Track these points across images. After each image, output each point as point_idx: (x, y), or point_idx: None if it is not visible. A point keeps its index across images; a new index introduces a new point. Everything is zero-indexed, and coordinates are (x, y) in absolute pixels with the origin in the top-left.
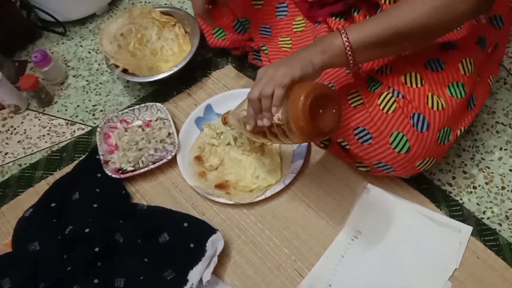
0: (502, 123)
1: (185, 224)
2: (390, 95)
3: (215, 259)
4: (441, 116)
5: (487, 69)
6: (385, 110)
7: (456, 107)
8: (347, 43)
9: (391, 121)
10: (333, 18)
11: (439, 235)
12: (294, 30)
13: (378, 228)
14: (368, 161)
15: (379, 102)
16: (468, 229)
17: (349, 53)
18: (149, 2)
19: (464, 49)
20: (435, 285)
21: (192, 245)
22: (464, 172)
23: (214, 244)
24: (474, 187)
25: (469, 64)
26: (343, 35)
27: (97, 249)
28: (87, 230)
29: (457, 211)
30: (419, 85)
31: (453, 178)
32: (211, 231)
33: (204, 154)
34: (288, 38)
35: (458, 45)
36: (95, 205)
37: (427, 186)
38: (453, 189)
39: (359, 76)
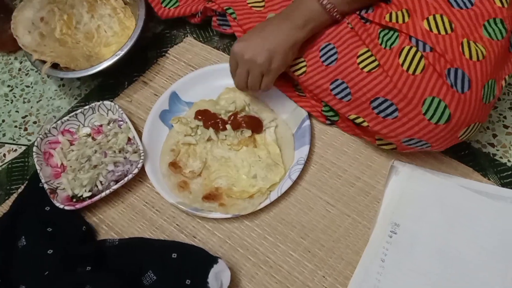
0: None
1: (174, 255)
2: (414, 49)
3: None
4: (483, 67)
5: None
6: (411, 71)
7: (498, 52)
8: (326, 3)
9: (421, 84)
10: None
11: (494, 211)
12: None
13: (419, 215)
14: (394, 138)
15: (400, 60)
16: None
17: (331, 8)
18: None
19: None
20: (507, 273)
21: (188, 282)
22: (505, 127)
23: (218, 278)
24: None
25: None
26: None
27: None
28: None
29: (508, 177)
30: (448, 31)
31: (494, 136)
32: (211, 260)
33: (180, 159)
34: None
35: None
36: (49, 251)
37: (465, 152)
38: (497, 150)
39: (366, 29)
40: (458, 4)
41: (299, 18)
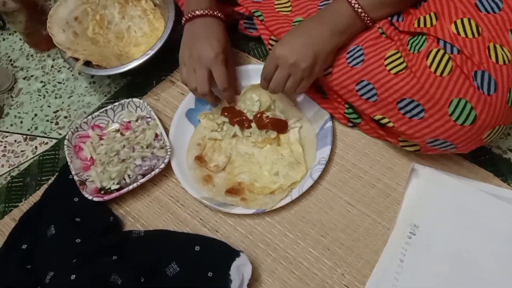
0: None
1: (197, 248)
2: (442, 51)
3: None
4: (510, 70)
5: None
6: (438, 72)
7: None
8: (359, 9)
9: (448, 86)
10: None
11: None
12: None
13: (438, 218)
14: (419, 139)
15: (428, 62)
16: None
17: (364, 16)
18: None
19: None
20: None
21: (210, 274)
22: None
23: (240, 271)
24: None
25: None
26: (353, 3)
27: None
28: (73, 276)
29: None
30: (476, 35)
31: None
32: (233, 253)
33: (206, 153)
34: (286, 0)
35: None
36: (78, 240)
37: (486, 157)
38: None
39: (397, 33)
40: (485, 9)
41: (338, 24)
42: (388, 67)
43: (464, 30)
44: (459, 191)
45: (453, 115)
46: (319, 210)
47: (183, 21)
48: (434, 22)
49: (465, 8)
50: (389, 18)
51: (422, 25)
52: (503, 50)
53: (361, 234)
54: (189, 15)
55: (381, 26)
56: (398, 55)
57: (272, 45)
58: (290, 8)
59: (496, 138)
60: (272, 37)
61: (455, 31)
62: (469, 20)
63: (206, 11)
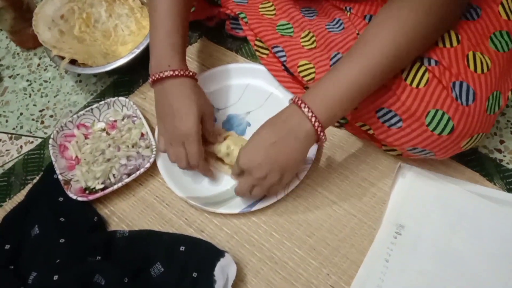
0: None
1: (182, 248)
2: (417, 63)
3: None
4: (488, 79)
5: None
6: (414, 84)
7: (503, 64)
8: (317, 125)
9: (424, 97)
10: None
11: (499, 216)
12: None
13: (424, 218)
14: (399, 147)
15: (403, 75)
16: None
17: (321, 133)
18: None
19: None
20: (509, 278)
21: (195, 274)
22: None
23: (225, 271)
24: None
25: (511, 4)
26: (313, 121)
27: None
28: (56, 277)
29: None
30: (454, 44)
31: (501, 142)
32: (218, 253)
33: None
34: (270, 4)
35: None
36: (61, 240)
37: (472, 157)
38: (504, 156)
39: None
40: (465, 16)
41: (301, 135)
42: None
43: (443, 41)
44: (445, 191)
45: (430, 125)
46: (305, 210)
47: (150, 82)
48: None
49: None
50: (368, 22)
51: None
52: (483, 57)
53: (347, 234)
54: (157, 76)
55: (359, 32)
56: None
57: (258, 46)
58: (274, 12)
59: (476, 144)
60: (258, 38)
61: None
62: (448, 30)
63: (176, 72)
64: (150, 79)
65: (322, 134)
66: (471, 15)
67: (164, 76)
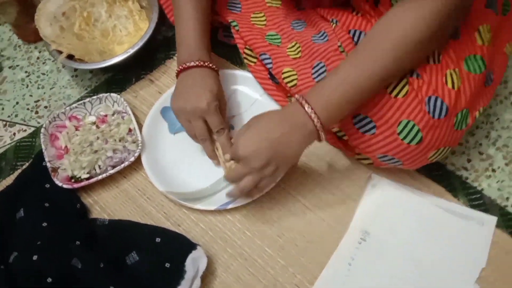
0: None
1: (158, 240)
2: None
3: (198, 282)
4: (459, 97)
5: (502, 36)
6: (394, 94)
7: (475, 85)
8: (318, 124)
9: (400, 107)
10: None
11: (460, 230)
12: (268, 5)
13: (389, 226)
14: (371, 154)
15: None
16: (492, 219)
17: (321, 132)
18: None
19: (476, 14)
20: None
21: (167, 265)
22: (480, 153)
23: (195, 263)
24: (493, 170)
25: (486, 32)
26: (314, 120)
27: (49, 280)
28: (35, 257)
29: (477, 200)
30: (436, 61)
31: (468, 161)
32: (190, 246)
33: None
34: (262, 14)
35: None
36: (44, 224)
37: (439, 172)
38: (470, 174)
39: None
40: (449, 35)
41: (304, 132)
42: None
43: (427, 57)
44: (411, 203)
45: (401, 134)
46: (278, 211)
47: (176, 72)
48: None
49: None
50: (351, 36)
51: None
52: (457, 76)
53: (316, 237)
54: (182, 66)
55: (341, 44)
56: None
57: (246, 54)
58: (264, 22)
59: (442, 158)
60: (247, 47)
61: None
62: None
63: (198, 62)
64: (178, 68)
65: (322, 133)
66: (455, 33)
67: (191, 65)
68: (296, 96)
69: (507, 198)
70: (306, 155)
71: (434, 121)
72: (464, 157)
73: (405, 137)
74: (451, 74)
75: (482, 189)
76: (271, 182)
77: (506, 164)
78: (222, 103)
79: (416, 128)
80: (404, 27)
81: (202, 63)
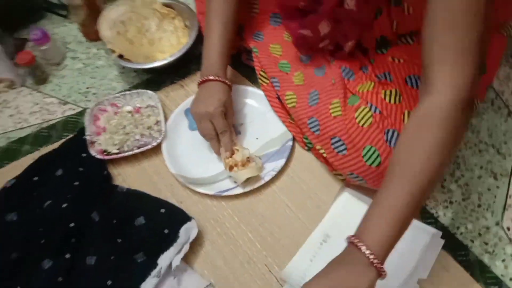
0: (485, 142)
1: (162, 210)
2: (367, 109)
3: (187, 246)
4: None
5: None
6: (360, 124)
7: None
8: (375, 262)
9: (365, 135)
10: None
11: (409, 235)
12: (285, 39)
13: (347, 231)
14: (342, 170)
15: (355, 115)
16: (438, 233)
17: (381, 269)
18: None
19: None
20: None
21: (166, 231)
22: (443, 187)
23: (188, 232)
24: (451, 202)
25: None
26: (375, 262)
27: (72, 225)
28: (64, 205)
29: (431, 224)
30: (397, 102)
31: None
32: (186, 218)
33: None
34: (279, 46)
35: None
36: (76, 183)
37: None
38: (430, 202)
39: (343, 87)
40: (411, 83)
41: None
42: (331, 111)
43: (390, 98)
44: None
45: (365, 157)
46: (263, 206)
47: (198, 83)
48: (370, 88)
49: (397, 81)
50: (342, 73)
51: (361, 90)
52: None
53: (290, 231)
54: (203, 79)
55: (334, 78)
56: (339, 104)
57: (261, 76)
58: (280, 53)
59: None
60: (262, 70)
61: (382, 97)
62: (396, 90)
63: (215, 77)
64: (200, 79)
65: (382, 270)
66: (417, 82)
67: (209, 79)
68: (349, 237)
69: (458, 227)
70: (296, 165)
71: (391, 148)
72: None
73: (367, 160)
74: (408, 114)
75: (438, 216)
76: None
77: (463, 200)
78: (230, 111)
79: (376, 153)
80: (426, 149)
81: (218, 78)
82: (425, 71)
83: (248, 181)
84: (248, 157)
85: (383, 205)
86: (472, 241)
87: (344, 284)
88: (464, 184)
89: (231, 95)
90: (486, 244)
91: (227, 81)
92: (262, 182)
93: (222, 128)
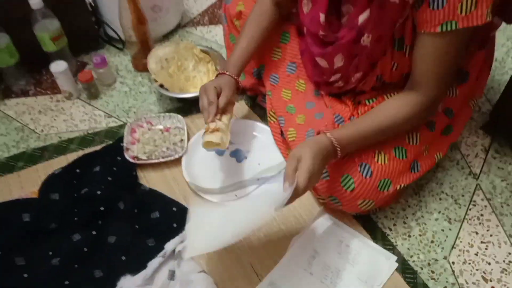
0: (446, 193)
1: (174, 209)
2: None
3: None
4: (383, 169)
5: (435, 147)
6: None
7: (397, 166)
8: (338, 148)
9: (344, 165)
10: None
11: (370, 256)
12: (296, 87)
13: (327, 247)
14: (324, 194)
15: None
16: (394, 258)
17: (339, 151)
18: (192, 41)
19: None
20: None
21: (174, 225)
22: (404, 223)
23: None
24: (409, 236)
25: (415, 137)
26: (337, 149)
27: (102, 209)
28: (98, 192)
29: (390, 250)
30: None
31: (394, 225)
32: None
33: None
34: (289, 91)
35: None
36: (109, 178)
37: (371, 225)
38: (391, 233)
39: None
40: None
41: (328, 159)
42: None
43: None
44: (340, 232)
45: (342, 182)
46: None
47: (216, 74)
48: None
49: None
50: (335, 119)
51: None
52: (384, 156)
53: (274, 238)
54: (219, 71)
55: (327, 122)
56: None
57: (270, 115)
58: (289, 97)
59: (368, 208)
60: (272, 110)
61: None
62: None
63: (227, 72)
64: (218, 72)
65: (339, 154)
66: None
67: (222, 72)
68: (328, 134)
69: (411, 256)
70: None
71: (363, 178)
72: (392, 222)
73: (344, 185)
74: (379, 154)
75: (397, 245)
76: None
77: (420, 235)
78: (226, 93)
79: (352, 180)
80: (393, 112)
81: (227, 73)
82: (412, 80)
83: (210, 145)
84: (218, 128)
85: (355, 123)
86: (422, 268)
87: (323, 163)
88: (422, 223)
89: (233, 86)
90: (433, 272)
91: (233, 75)
92: (256, 185)
93: (210, 99)
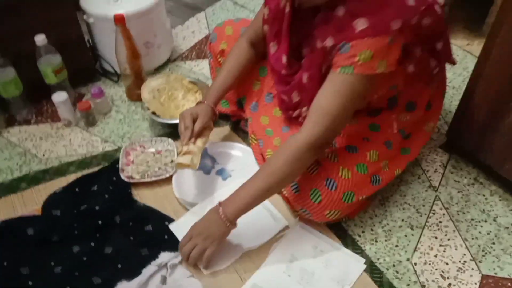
0: (408, 204)
1: (166, 223)
2: (314, 164)
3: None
4: (347, 183)
5: (395, 163)
6: (309, 172)
7: (359, 180)
8: (225, 220)
9: (312, 180)
10: None
11: (341, 259)
12: (274, 114)
13: (303, 253)
14: (296, 206)
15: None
16: (362, 260)
17: (228, 224)
18: (182, 73)
19: (375, 144)
20: None
21: (166, 237)
22: (372, 230)
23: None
24: (376, 241)
25: (374, 155)
26: (226, 223)
27: (100, 222)
28: (97, 207)
29: (358, 253)
30: (335, 161)
31: (363, 232)
32: None
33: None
34: (267, 118)
35: (371, 140)
36: (106, 196)
37: (342, 233)
38: (360, 239)
39: None
40: (349, 149)
41: (220, 229)
42: None
43: (330, 157)
44: (313, 239)
45: (311, 196)
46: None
47: (196, 103)
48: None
49: (338, 148)
50: None
51: None
52: (348, 172)
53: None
54: (199, 101)
55: None
56: None
57: (252, 137)
58: (267, 123)
59: (335, 218)
60: (253, 133)
61: (326, 156)
62: (335, 153)
63: (205, 101)
64: (198, 101)
65: (232, 225)
66: (352, 150)
67: (201, 101)
68: (219, 203)
69: (378, 259)
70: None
71: (329, 191)
72: (361, 229)
73: (312, 198)
74: (342, 169)
75: (365, 249)
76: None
77: (386, 240)
78: (201, 119)
79: (319, 193)
80: (280, 161)
81: (205, 102)
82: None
83: (181, 166)
84: (190, 151)
85: (245, 186)
86: (387, 269)
87: (209, 229)
88: (388, 230)
89: (209, 113)
90: (397, 272)
91: (210, 104)
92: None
93: (186, 124)
